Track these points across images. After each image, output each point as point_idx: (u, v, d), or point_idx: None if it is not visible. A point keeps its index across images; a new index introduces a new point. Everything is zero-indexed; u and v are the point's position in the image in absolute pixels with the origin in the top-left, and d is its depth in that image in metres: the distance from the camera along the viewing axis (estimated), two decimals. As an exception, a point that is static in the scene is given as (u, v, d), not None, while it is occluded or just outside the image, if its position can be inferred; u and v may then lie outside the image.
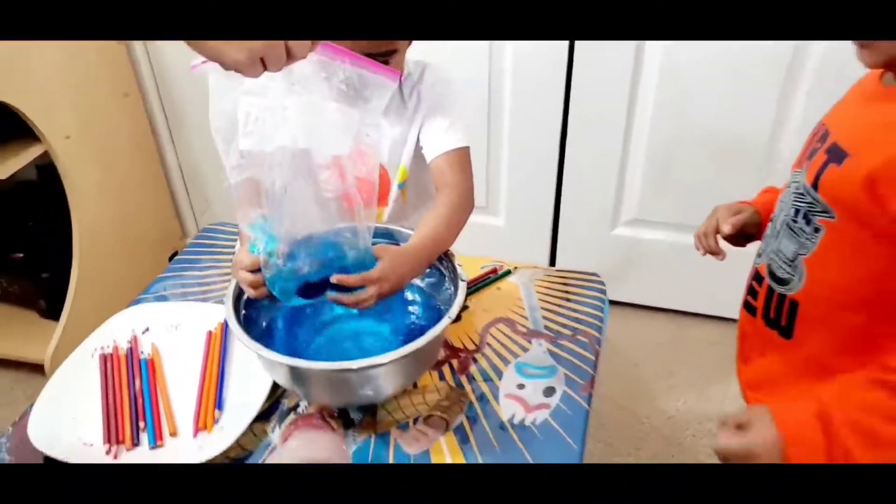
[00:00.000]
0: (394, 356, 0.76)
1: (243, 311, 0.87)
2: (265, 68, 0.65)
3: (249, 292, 0.83)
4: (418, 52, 1.01)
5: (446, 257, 0.92)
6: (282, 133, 0.74)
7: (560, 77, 1.57)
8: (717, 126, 1.54)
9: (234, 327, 0.81)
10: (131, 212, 1.85)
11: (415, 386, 0.91)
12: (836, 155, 0.71)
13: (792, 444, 0.70)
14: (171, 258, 1.99)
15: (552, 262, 1.86)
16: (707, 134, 1.55)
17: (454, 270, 0.90)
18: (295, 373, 0.80)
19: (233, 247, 1.18)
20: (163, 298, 1.09)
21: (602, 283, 1.11)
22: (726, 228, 0.90)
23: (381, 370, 0.78)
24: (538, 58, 1.56)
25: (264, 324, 0.91)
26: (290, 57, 0.66)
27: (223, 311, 0.84)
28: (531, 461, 0.81)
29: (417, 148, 1.05)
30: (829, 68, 1.38)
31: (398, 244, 0.93)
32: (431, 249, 0.90)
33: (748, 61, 1.43)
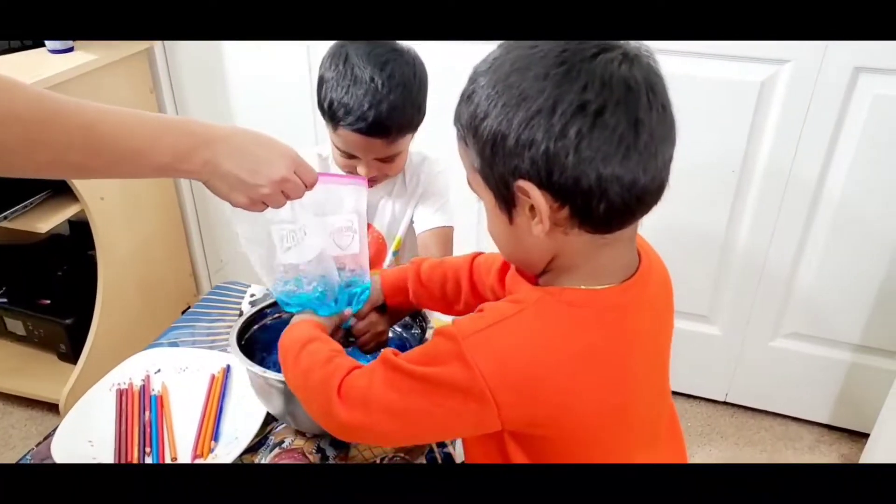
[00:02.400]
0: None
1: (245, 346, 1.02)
2: (267, 206, 0.81)
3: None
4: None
5: (420, 314, 1.06)
6: (308, 247, 0.91)
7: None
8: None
9: (236, 352, 0.95)
10: (152, 269, 2.03)
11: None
12: None
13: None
14: (183, 312, 2.16)
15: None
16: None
17: (425, 320, 1.04)
18: (287, 394, 0.92)
19: (240, 303, 1.34)
20: (174, 344, 1.25)
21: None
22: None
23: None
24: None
25: (266, 359, 1.06)
26: (289, 198, 0.82)
27: (226, 358, 1.00)
28: None
29: (412, 224, 1.24)
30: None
31: None
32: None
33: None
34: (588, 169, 0.60)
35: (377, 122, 1.05)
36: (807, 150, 1.58)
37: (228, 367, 1.15)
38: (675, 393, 1.93)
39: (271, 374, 0.91)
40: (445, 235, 1.20)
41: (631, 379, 0.71)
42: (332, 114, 1.09)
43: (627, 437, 0.74)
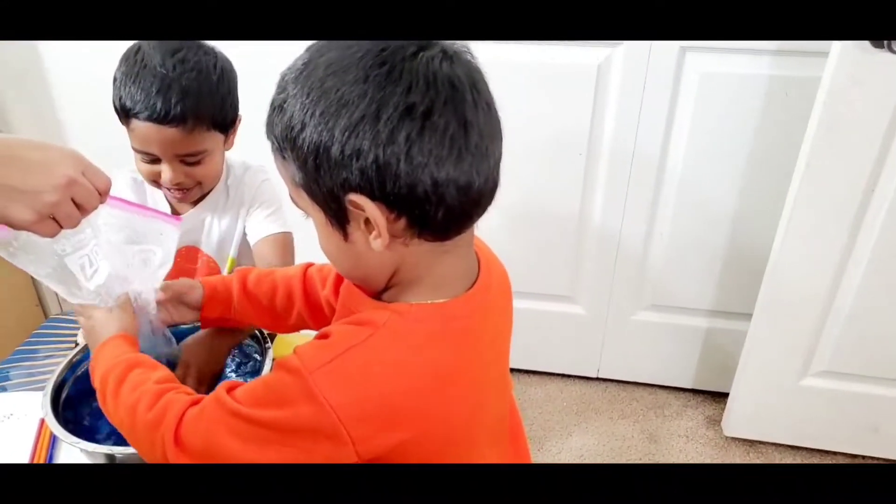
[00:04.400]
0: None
1: (68, 399, 0.94)
2: (60, 226, 0.70)
3: None
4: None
5: (260, 333, 1.00)
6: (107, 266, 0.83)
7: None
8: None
9: (50, 421, 0.87)
10: (-12, 303, 1.86)
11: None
12: None
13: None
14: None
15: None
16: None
17: (263, 340, 0.99)
18: (113, 460, 0.86)
19: (75, 335, 1.24)
20: (2, 389, 1.14)
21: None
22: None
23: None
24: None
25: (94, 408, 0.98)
26: (82, 210, 0.70)
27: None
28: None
29: (244, 241, 1.17)
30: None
31: None
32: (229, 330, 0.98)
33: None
34: (422, 175, 0.58)
35: (167, 108, 0.97)
36: (647, 129, 1.63)
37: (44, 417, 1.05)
38: (550, 374, 1.99)
39: (94, 447, 0.83)
40: (283, 242, 1.14)
41: (481, 387, 0.70)
42: (122, 108, 1.00)
43: (478, 439, 0.73)
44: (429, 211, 0.60)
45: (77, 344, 1.18)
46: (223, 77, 1.04)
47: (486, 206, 0.65)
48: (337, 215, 0.63)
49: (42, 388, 1.12)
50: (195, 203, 1.16)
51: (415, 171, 0.57)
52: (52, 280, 0.83)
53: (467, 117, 0.59)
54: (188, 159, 1.04)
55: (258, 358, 1.01)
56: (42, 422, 1.04)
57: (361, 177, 0.58)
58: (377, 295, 0.70)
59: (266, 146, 0.65)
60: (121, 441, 0.93)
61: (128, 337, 0.81)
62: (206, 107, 1.01)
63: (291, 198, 0.67)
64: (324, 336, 0.66)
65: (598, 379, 2.02)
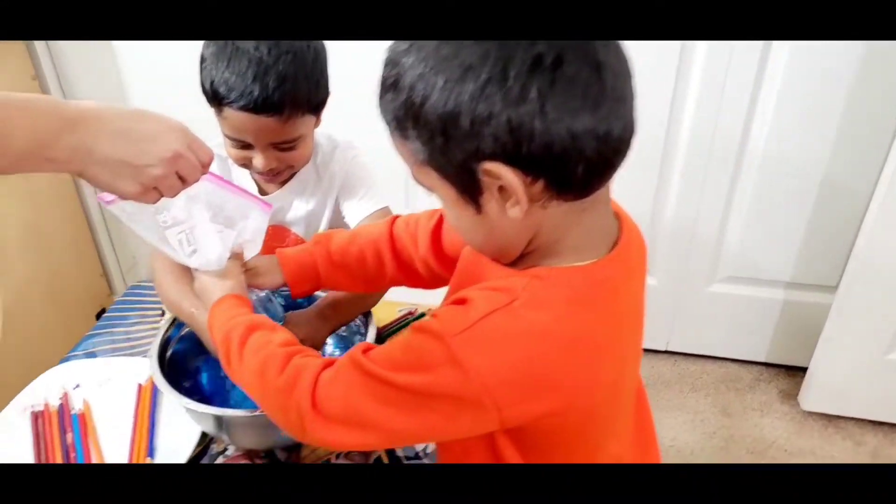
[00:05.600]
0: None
1: (167, 363, 0.92)
2: (161, 195, 0.70)
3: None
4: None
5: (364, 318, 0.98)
6: (210, 253, 0.81)
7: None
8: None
9: (160, 382, 0.86)
10: (58, 273, 1.86)
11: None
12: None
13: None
14: (97, 316, 2.01)
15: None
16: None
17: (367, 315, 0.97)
18: (220, 421, 0.86)
19: (160, 303, 1.23)
20: (92, 355, 1.13)
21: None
22: None
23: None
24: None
25: (190, 371, 0.97)
26: (185, 182, 0.70)
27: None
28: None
29: (333, 220, 1.13)
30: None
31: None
32: (344, 309, 0.96)
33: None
34: (559, 130, 0.53)
35: (265, 96, 0.91)
36: (730, 102, 1.58)
37: (153, 376, 1.04)
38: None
39: (204, 409, 0.83)
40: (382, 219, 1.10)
41: (622, 353, 0.66)
42: (214, 93, 0.93)
43: (617, 411, 0.70)
44: (568, 168, 0.55)
45: (163, 312, 1.17)
46: (317, 57, 0.97)
47: (626, 154, 0.59)
48: (469, 187, 0.58)
49: (132, 354, 1.12)
50: (282, 183, 1.11)
51: (550, 128, 0.53)
52: (162, 245, 0.82)
53: (599, 58, 0.54)
54: (282, 146, 0.99)
55: (360, 327, 1.00)
56: (140, 386, 1.03)
57: (494, 142, 0.54)
58: (511, 264, 0.66)
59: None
60: (222, 403, 0.94)
61: (240, 297, 0.79)
62: (303, 92, 0.94)
63: (414, 177, 0.63)
64: (460, 301, 0.62)
65: (666, 352, 1.98)
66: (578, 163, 0.55)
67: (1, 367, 1.67)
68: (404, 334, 0.65)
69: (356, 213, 1.08)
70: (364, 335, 0.97)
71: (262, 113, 0.92)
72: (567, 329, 0.60)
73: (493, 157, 0.55)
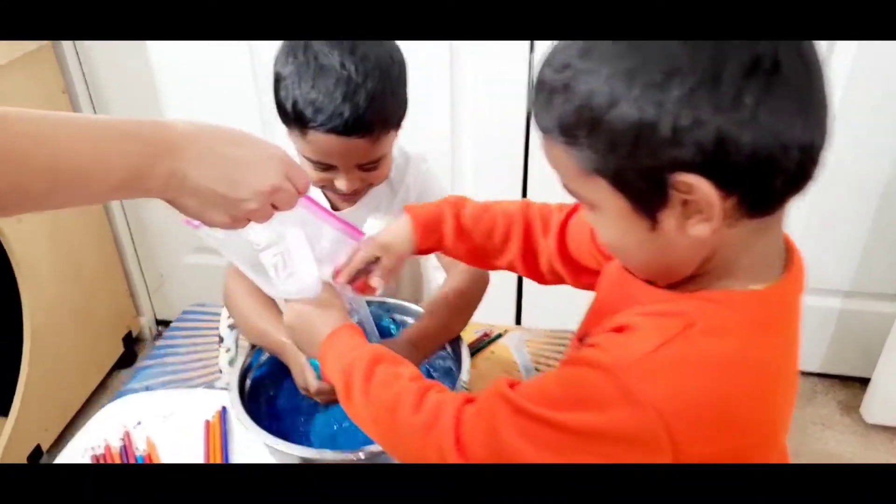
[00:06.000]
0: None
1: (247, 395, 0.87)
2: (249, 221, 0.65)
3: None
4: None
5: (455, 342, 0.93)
6: (306, 277, 0.76)
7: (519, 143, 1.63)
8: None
9: (246, 422, 0.80)
10: (84, 292, 1.78)
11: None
12: (583, 334, 0.70)
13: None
14: (125, 339, 1.93)
15: (518, 321, 1.88)
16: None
17: (457, 343, 0.92)
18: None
19: (215, 329, 1.15)
20: (149, 389, 1.06)
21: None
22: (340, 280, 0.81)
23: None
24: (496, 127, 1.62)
25: (264, 402, 0.91)
26: (277, 209, 0.65)
27: (217, 397, 0.83)
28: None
29: None
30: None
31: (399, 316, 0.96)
32: (434, 337, 0.92)
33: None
34: (769, 140, 0.48)
35: (356, 116, 0.83)
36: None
37: (224, 408, 0.97)
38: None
39: (296, 450, 0.77)
40: None
41: (794, 389, 0.60)
42: (297, 115, 0.85)
43: (779, 446, 0.63)
44: (768, 183, 0.50)
45: (221, 339, 1.09)
46: (401, 71, 0.90)
47: (819, 167, 0.53)
48: (649, 201, 0.53)
49: (191, 385, 1.05)
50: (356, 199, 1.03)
51: (762, 138, 0.48)
52: (253, 272, 0.77)
53: (810, 60, 0.49)
54: (367, 166, 0.91)
55: (447, 362, 0.94)
56: (208, 423, 0.96)
57: (696, 152, 0.48)
58: (671, 286, 0.60)
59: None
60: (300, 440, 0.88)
61: (353, 327, 0.74)
62: (392, 110, 0.89)
63: (568, 187, 0.57)
64: (621, 329, 0.56)
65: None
66: (778, 177, 0.50)
67: (30, 391, 1.59)
68: (559, 368, 0.59)
69: None
70: (449, 356, 0.93)
71: (353, 135, 0.85)
72: (752, 357, 0.54)
73: (691, 168, 0.49)
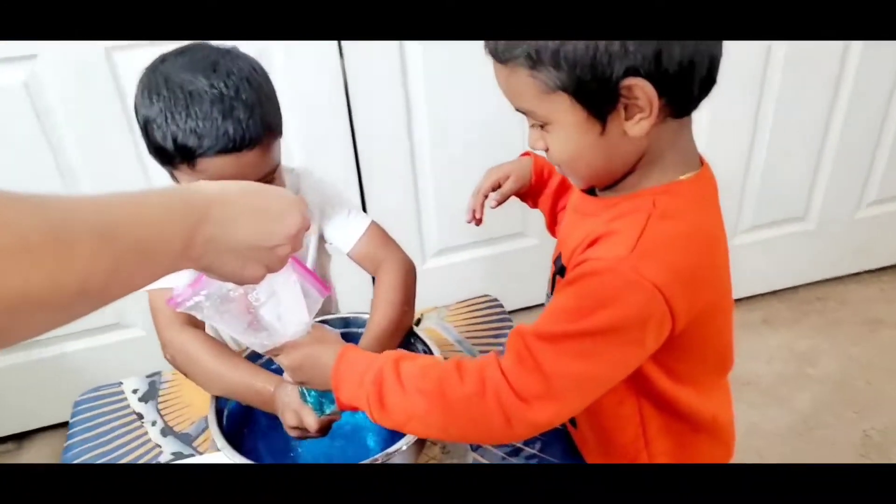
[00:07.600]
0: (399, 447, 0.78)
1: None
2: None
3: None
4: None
5: (414, 335, 0.97)
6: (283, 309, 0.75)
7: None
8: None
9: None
10: None
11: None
12: (560, 269, 0.78)
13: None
14: None
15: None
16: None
17: (425, 343, 0.95)
18: None
19: (124, 405, 1.05)
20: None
21: (498, 301, 1.23)
22: (492, 204, 0.93)
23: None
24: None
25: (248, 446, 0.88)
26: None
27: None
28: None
29: (319, 247, 1.08)
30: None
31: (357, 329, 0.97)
32: (395, 333, 0.94)
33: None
34: (690, 52, 0.61)
35: (242, 130, 0.82)
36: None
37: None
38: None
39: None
40: (378, 232, 1.04)
41: (726, 248, 0.74)
42: (182, 149, 0.82)
43: (729, 318, 0.77)
44: (689, 87, 0.63)
45: (140, 415, 1.02)
46: (265, 77, 0.90)
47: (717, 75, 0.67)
48: (602, 106, 0.63)
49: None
50: None
51: (686, 51, 0.60)
52: (247, 335, 0.74)
53: None
54: (264, 180, 0.87)
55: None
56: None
57: (642, 60, 0.60)
58: (609, 188, 0.72)
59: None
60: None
61: (354, 347, 0.76)
62: (273, 114, 0.88)
63: (522, 108, 0.67)
64: (597, 240, 0.68)
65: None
66: (695, 81, 0.63)
67: None
68: (562, 291, 0.68)
69: (348, 234, 1.03)
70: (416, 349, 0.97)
71: (244, 149, 0.83)
72: (703, 230, 0.69)
73: (637, 74, 0.60)
